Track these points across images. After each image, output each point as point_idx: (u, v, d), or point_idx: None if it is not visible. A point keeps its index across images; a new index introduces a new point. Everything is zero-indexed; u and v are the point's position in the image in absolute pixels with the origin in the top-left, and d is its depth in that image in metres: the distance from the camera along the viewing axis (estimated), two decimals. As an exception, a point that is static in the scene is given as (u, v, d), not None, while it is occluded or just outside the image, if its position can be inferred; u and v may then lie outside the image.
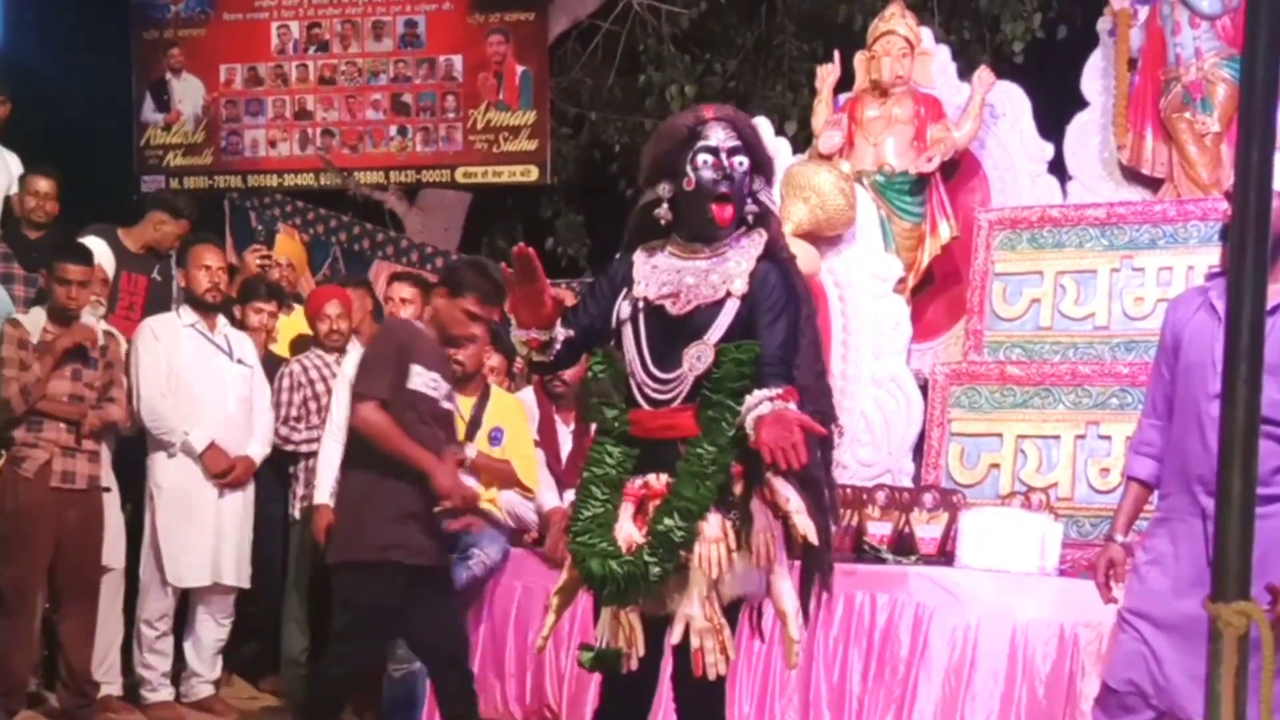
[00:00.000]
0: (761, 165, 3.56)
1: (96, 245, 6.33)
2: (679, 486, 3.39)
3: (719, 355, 3.40)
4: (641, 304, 3.52)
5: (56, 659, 5.90)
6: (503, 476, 5.79)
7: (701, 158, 3.45)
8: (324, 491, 6.09)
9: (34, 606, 5.70)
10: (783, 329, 3.44)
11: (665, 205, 3.51)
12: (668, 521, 3.37)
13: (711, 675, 3.35)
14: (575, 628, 5.19)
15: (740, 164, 3.47)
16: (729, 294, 3.45)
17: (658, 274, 3.53)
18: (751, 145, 3.53)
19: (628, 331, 3.54)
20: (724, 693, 3.57)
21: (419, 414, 4.65)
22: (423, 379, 4.69)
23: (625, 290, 3.58)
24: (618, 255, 3.77)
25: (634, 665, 3.42)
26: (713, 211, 3.46)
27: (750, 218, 3.54)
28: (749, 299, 3.45)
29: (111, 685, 6.06)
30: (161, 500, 6.08)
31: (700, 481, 3.37)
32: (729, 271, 3.47)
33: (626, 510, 3.48)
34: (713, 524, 3.36)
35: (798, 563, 3.61)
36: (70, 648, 5.77)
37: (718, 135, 3.48)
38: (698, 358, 3.42)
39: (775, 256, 3.54)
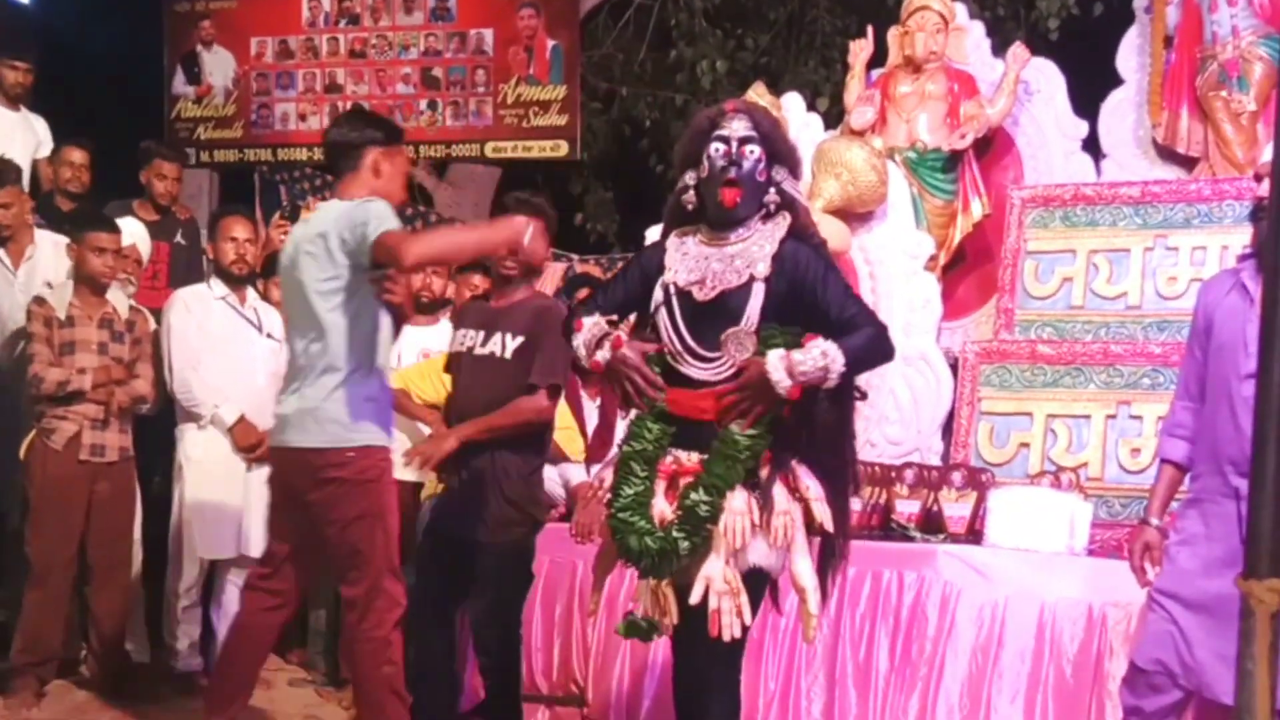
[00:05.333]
0: (782, 156, 3.77)
1: (131, 226, 6.34)
2: (711, 464, 3.59)
3: (763, 341, 3.58)
4: (673, 289, 3.72)
5: (88, 630, 5.94)
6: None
7: (715, 146, 3.70)
8: None
9: (65, 578, 5.73)
10: (836, 284, 3.66)
11: (691, 192, 3.77)
12: (694, 496, 3.57)
13: (726, 636, 3.51)
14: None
15: (751, 152, 3.69)
16: (753, 278, 3.64)
17: (687, 260, 3.74)
18: (769, 137, 3.75)
19: (663, 315, 3.73)
20: (738, 663, 3.73)
21: None
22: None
23: (659, 276, 3.78)
24: (652, 241, 3.99)
25: (667, 632, 3.68)
26: (721, 195, 3.67)
27: (772, 206, 3.73)
28: (785, 279, 3.63)
29: (141, 655, 6.12)
30: (190, 472, 6.09)
31: (732, 463, 3.57)
32: (752, 256, 3.67)
33: (660, 487, 3.68)
34: (738, 498, 3.56)
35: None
36: (102, 619, 5.81)
37: (732, 126, 3.72)
38: (739, 344, 3.60)
39: (801, 239, 3.72)
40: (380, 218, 4.19)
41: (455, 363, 4.94)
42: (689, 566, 3.57)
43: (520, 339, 4.78)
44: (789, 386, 3.47)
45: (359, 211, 4.24)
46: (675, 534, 3.55)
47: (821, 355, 3.48)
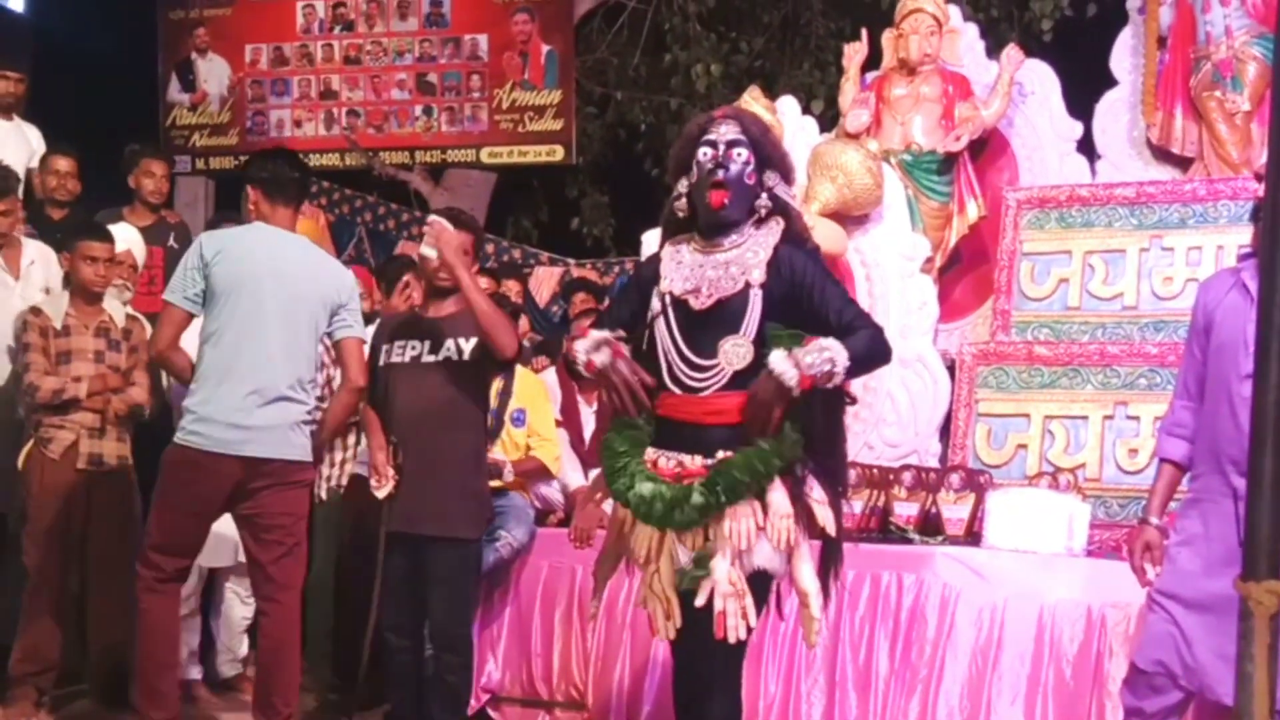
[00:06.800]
0: (773, 161, 3.79)
1: (126, 232, 6.33)
2: (767, 452, 3.56)
3: (767, 341, 3.59)
4: (668, 298, 3.73)
5: (87, 639, 5.92)
6: (536, 474, 5.86)
7: (702, 151, 3.73)
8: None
9: (63, 587, 5.71)
10: (832, 289, 3.70)
11: (683, 199, 3.79)
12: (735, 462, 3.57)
13: (731, 638, 3.52)
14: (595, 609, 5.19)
15: (739, 155, 3.71)
16: (748, 285, 3.65)
17: (681, 269, 3.75)
18: (758, 141, 3.77)
19: (660, 324, 3.74)
20: (740, 666, 3.74)
21: None
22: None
23: (655, 286, 3.80)
24: (649, 254, 4.06)
25: (672, 635, 3.67)
26: (709, 197, 3.69)
27: (763, 211, 3.75)
28: (781, 285, 3.65)
29: (139, 663, 6.11)
30: (189, 479, 6.08)
31: (772, 456, 3.56)
32: (747, 262, 3.69)
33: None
34: (744, 501, 3.57)
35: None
36: (102, 628, 5.79)
37: (719, 130, 3.75)
38: (735, 352, 3.62)
39: (796, 244, 3.74)
40: (357, 314, 4.98)
41: (391, 374, 4.90)
42: (695, 572, 3.58)
43: (473, 340, 4.86)
44: (797, 377, 3.48)
45: (351, 291, 5.00)
46: (696, 488, 3.58)
47: (825, 350, 3.51)
